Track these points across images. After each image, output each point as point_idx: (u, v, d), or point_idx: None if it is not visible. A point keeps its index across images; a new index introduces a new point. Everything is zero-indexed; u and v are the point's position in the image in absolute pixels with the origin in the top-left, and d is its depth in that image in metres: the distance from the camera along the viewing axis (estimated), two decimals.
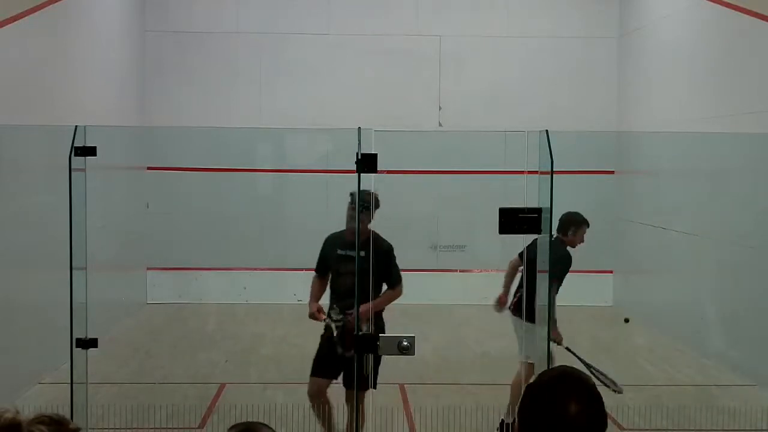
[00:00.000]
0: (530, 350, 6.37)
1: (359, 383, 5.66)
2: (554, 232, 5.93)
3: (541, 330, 6.09)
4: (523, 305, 6.39)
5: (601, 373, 6.51)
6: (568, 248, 6.84)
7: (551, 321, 6.24)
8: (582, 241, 6.89)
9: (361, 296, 5.53)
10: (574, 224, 6.83)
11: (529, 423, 2.00)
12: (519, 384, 6.53)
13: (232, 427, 2.49)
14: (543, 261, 5.38)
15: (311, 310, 6.07)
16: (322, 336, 6.13)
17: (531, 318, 6.22)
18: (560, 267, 6.59)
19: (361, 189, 5.58)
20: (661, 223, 10.83)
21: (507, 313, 6.91)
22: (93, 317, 5.36)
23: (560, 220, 6.76)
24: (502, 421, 6.79)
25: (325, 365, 6.10)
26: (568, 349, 6.70)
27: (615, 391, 6.48)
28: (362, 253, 5.74)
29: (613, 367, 7.15)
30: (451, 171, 12.03)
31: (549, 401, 1.98)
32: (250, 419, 2.78)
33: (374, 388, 5.84)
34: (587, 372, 6.12)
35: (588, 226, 6.89)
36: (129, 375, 8.50)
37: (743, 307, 8.76)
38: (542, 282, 5.23)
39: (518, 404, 2.05)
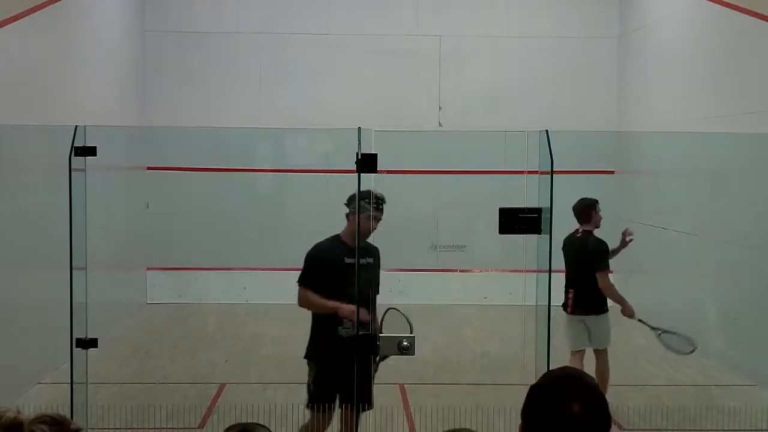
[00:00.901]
0: (599, 339, 7.12)
1: (363, 403, 5.27)
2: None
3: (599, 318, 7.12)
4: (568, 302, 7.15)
5: (672, 333, 7.00)
6: (595, 231, 7.24)
7: (620, 302, 7.16)
8: (601, 217, 7.29)
9: (368, 303, 5.27)
10: (591, 207, 7.18)
11: (534, 423, 2.00)
12: (603, 369, 7.09)
13: (229, 429, 2.49)
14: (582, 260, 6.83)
15: (349, 310, 5.22)
16: (317, 361, 5.46)
17: (591, 311, 7.07)
18: (605, 255, 7.12)
19: (361, 190, 5.46)
20: (661, 223, 10.82)
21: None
22: (93, 317, 5.36)
23: (577, 211, 7.17)
24: None
25: (331, 394, 5.44)
26: (640, 320, 7.11)
27: (690, 352, 6.99)
28: (371, 260, 5.39)
29: (613, 367, 7.14)
30: (451, 171, 12.02)
31: (552, 402, 1.98)
32: (250, 419, 2.78)
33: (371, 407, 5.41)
34: (661, 334, 6.87)
35: (597, 202, 7.30)
36: (129, 375, 8.50)
37: (743, 307, 8.75)
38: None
39: (522, 405, 2.06)
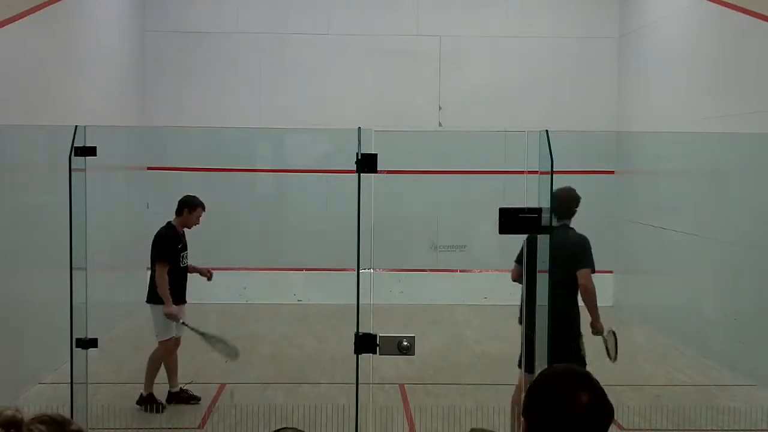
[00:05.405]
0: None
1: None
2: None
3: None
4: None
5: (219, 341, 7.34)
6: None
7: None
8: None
9: None
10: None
11: (539, 420, 2.00)
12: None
13: None
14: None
15: None
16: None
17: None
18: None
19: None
20: (661, 223, 10.83)
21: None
22: (93, 317, 5.36)
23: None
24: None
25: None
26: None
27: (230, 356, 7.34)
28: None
29: (613, 367, 7.14)
30: (451, 171, 12.02)
31: (557, 397, 1.98)
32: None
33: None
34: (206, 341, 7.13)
35: None
36: (129, 375, 8.49)
37: (743, 307, 8.76)
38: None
39: (522, 406, 2.05)
